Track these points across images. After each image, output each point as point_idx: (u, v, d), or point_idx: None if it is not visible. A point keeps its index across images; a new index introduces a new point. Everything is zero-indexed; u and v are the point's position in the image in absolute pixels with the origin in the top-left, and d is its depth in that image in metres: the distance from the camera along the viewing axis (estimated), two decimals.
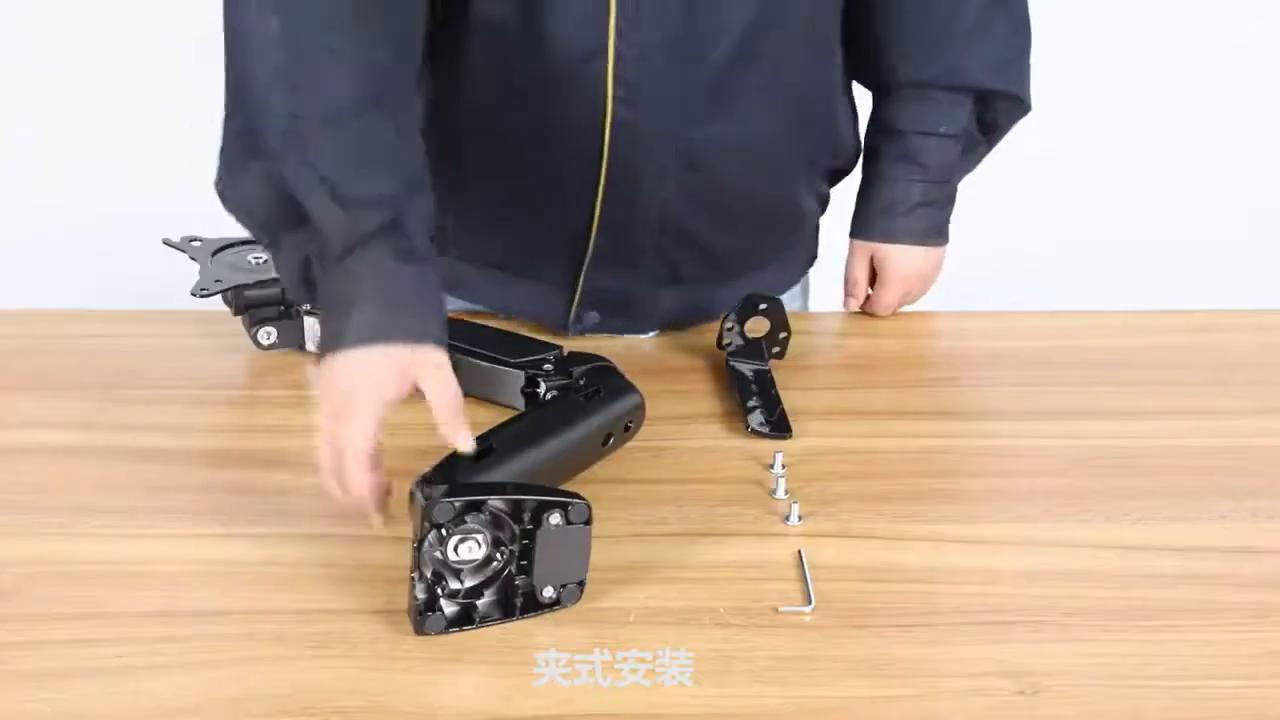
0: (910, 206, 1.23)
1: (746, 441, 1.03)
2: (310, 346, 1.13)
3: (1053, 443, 1.03)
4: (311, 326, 1.13)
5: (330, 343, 0.90)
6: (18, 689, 0.78)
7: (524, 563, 0.84)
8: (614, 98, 1.04)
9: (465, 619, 0.83)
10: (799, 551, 0.90)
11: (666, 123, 1.06)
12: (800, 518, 0.94)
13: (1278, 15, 2.67)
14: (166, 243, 1.17)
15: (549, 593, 0.85)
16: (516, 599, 0.84)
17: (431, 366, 0.89)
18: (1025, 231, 2.48)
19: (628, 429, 1.00)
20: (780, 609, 0.85)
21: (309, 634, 0.83)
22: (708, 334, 1.16)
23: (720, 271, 1.18)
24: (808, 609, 0.85)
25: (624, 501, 0.96)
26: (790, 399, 1.09)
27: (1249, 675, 0.80)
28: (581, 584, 0.86)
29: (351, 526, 0.93)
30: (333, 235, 0.90)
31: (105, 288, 2.33)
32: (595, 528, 0.92)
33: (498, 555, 0.83)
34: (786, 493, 0.96)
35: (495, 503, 0.83)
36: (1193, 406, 1.09)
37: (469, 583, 0.83)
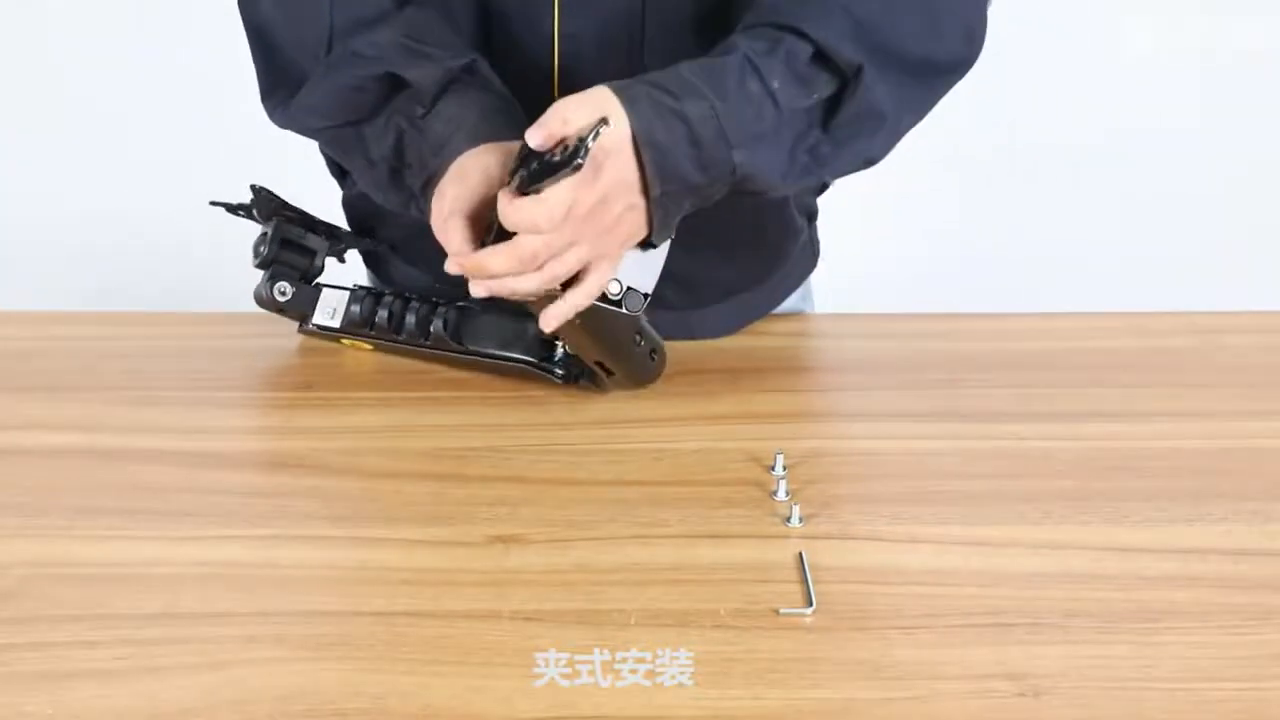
0: (674, 114, 0.90)
1: (747, 443, 1.03)
2: (318, 321, 1.12)
3: (1054, 445, 1.03)
4: (326, 302, 1.12)
5: (430, 183, 0.95)
6: (19, 690, 0.78)
7: None
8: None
9: None
10: (800, 553, 0.90)
11: None
12: (801, 519, 0.94)
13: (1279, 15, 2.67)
14: (215, 203, 1.15)
15: (615, 288, 0.90)
16: None
17: None
18: (1026, 232, 2.48)
19: (646, 350, 1.03)
20: (781, 611, 0.85)
21: (310, 636, 0.83)
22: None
23: (714, 293, 1.17)
24: (808, 611, 0.85)
25: (625, 503, 0.96)
26: (791, 401, 1.09)
27: (1250, 677, 0.80)
28: (646, 296, 0.91)
29: (351, 528, 0.93)
30: (423, 83, 0.98)
31: (106, 289, 2.33)
32: (595, 529, 0.93)
33: None
34: (787, 494, 0.96)
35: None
36: (1194, 408, 1.09)
37: None
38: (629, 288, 0.89)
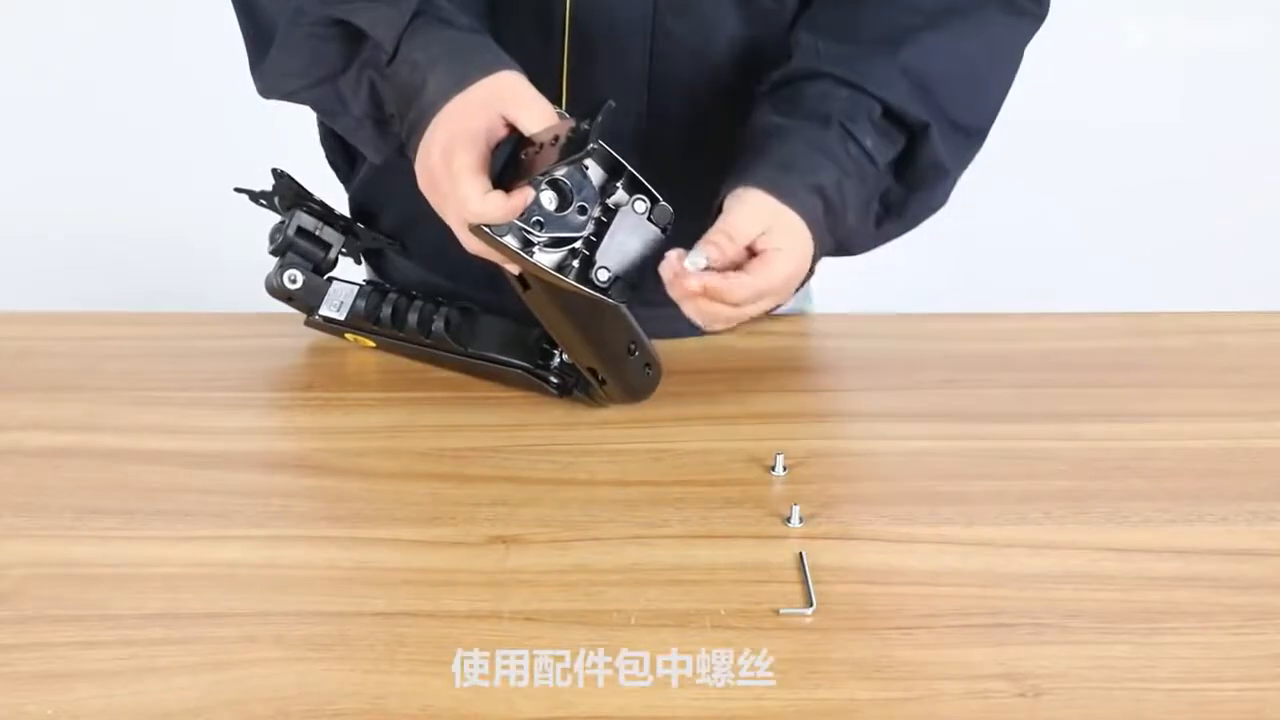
0: (811, 187, 0.97)
1: (747, 443, 1.03)
2: (324, 313, 1.12)
3: (1053, 445, 1.03)
4: (334, 295, 1.12)
5: (412, 133, 0.93)
6: (18, 691, 0.78)
7: (594, 239, 0.89)
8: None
9: (525, 247, 0.89)
10: (800, 554, 0.90)
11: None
12: (801, 520, 0.94)
13: (1278, 15, 2.67)
14: (239, 190, 1.15)
15: (603, 275, 0.89)
16: (574, 262, 0.89)
17: (512, 92, 0.91)
18: (1025, 232, 2.48)
19: (641, 363, 1.04)
20: (781, 611, 0.85)
21: (309, 636, 0.83)
22: (707, 337, 1.16)
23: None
24: (808, 611, 0.85)
25: (625, 503, 0.96)
26: (791, 401, 1.09)
27: (1250, 678, 0.81)
28: (635, 287, 0.90)
29: (351, 528, 0.93)
30: (383, 31, 0.95)
31: (105, 289, 2.33)
32: (595, 529, 0.93)
33: (574, 213, 0.88)
34: (787, 495, 0.96)
35: (597, 167, 0.89)
36: (1194, 408, 1.09)
37: (536, 237, 0.88)
38: (617, 276, 0.89)
